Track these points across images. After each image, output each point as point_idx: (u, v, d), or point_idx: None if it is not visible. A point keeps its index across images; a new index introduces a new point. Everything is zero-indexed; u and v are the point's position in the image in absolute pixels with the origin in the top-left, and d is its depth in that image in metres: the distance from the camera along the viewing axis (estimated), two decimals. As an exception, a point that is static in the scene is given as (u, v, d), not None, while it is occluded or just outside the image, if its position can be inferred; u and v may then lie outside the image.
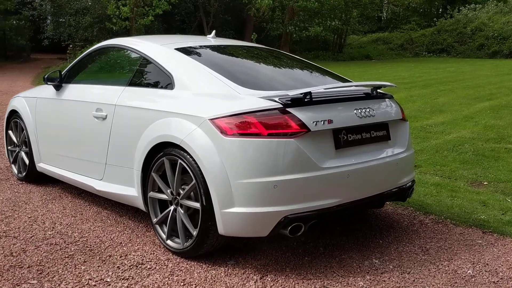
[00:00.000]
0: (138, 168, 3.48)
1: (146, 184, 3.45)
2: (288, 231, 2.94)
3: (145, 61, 3.77)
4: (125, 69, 4.00)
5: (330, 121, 3.07)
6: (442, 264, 3.28)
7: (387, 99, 3.68)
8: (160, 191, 3.39)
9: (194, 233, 3.14)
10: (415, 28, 34.11)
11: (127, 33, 28.07)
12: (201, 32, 30.35)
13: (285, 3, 28.92)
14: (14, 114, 5.10)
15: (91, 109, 3.94)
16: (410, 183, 3.65)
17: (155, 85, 3.67)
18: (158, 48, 3.79)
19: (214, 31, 4.45)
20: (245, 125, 2.93)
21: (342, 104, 3.24)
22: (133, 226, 3.86)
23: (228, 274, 3.06)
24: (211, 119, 3.01)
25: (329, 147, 3.11)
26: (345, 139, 3.17)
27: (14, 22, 29.87)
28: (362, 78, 17.50)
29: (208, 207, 3.01)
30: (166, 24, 31.65)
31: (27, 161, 4.92)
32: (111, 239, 3.60)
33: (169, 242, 3.34)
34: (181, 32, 30.96)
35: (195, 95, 3.30)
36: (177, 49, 3.69)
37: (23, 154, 5.02)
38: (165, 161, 3.28)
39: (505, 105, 10.33)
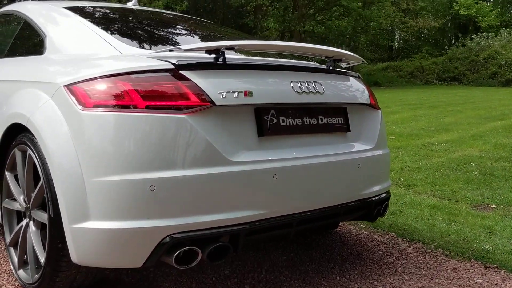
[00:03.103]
0: (-10, 167, 2.46)
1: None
2: (174, 258, 1.87)
3: (26, 24, 2.80)
4: (9, 37, 3.03)
5: (248, 93, 2.03)
6: (422, 315, 2.18)
7: (351, 77, 2.64)
8: (15, 198, 2.35)
9: (42, 260, 2.08)
10: (426, 57, 33.23)
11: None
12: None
13: (292, 28, 28.30)
14: None
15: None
16: (381, 196, 2.57)
17: (29, 51, 2.70)
18: (42, 7, 2.82)
19: (135, -1, 3.47)
20: (112, 93, 1.90)
21: (272, 73, 2.20)
22: None
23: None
24: (67, 86, 1.99)
25: (248, 132, 2.06)
26: (274, 122, 2.13)
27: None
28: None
29: (57, 221, 1.96)
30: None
31: None
32: (-42, 266, 2.56)
33: (21, 272, 2.29)
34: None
35: (66, 58, 2.30)
36: (66, 7, 2.71)
37: None
38: (16, 152, 2.26)
39: (520, 125, 9.21)
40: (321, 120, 2.31)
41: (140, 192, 1.82)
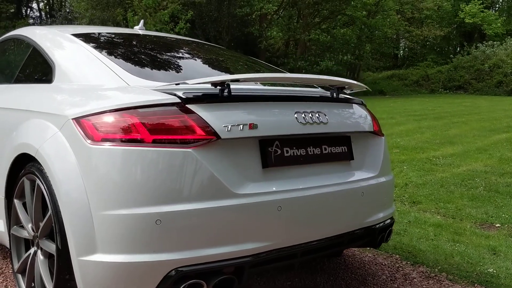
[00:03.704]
0: (2, 193, 2.51)
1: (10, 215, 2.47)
2: (180, 291, 1.90)
3: (35, 51, 2.84)
4: (17, 62, 3.08)
5: (252, 126, 2.06)
6: None
7: (354, 105, 2.67)
8: (23, 225, 2.39)
9: (49, 289, 2.12)
10: (431, 65, 33.19)
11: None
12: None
13: (297, 37, 28.39)
14: None
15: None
16: (385, 223, 2.59)
17: (38, 79, 2.74)
18: (50, 34, 2.87)
19: (142, 21, 3.52)
20: (120, 127, 1.94)
21: (276, 104, 2.23)
22: (6, 270, 2.84)
23: None
24: (76, 118, 2.03)
25: (252, 164, 2.09)
26: (278, 153, 2.16)
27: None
28: (372, 110, 16.48)
29: (64, 252, 1.99)
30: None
31: None
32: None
33: (28, 300, 2.32)
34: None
35: (74, 89, 2.34)
36: (74, 34, 2.75)
37: None
38: (25, 181, 2.30)
39: (525, 138, 9.19)
40: (325, 149, 2.34)
41: (146, 226, 1.85)
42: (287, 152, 2.19)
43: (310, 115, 2.26)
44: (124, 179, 1.88)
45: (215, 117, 2.00)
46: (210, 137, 1.97)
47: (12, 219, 2.45)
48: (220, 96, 2.07)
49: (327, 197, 2.24)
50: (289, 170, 2.20)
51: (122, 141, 1.91)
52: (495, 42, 30.51)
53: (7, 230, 2.53)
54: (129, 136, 1.92)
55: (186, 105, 1.99)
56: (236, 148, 2.05)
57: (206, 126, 1.97)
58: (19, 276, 2.41)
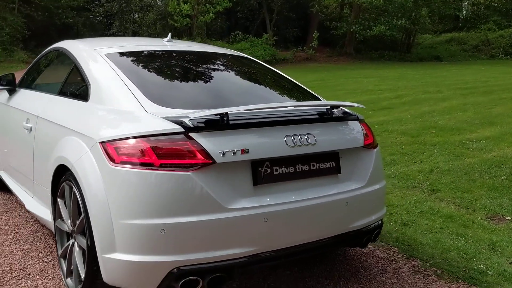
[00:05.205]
0: (49, 191, 3.05)
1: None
2: (180, 285, 2.37)
3: (75, 67, 3.33)
4: (61, 75, 3.58)
5: (245, 151, 2.46)
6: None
7: (348, 122, 2.98)
8: (64, 220, 2.94)
9: (82, 276, 2.65)
10: (493, 28, 31.65)
11: (188, 30, 28.24)
12: (264, 30, 29.92)
13: (350, 0, 27.89)
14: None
15: (22, 119, 3.57)
16: (370, 226, 2.94)
17: (77, 95, 3.22)
18: (87, 53, 3.33)
19: (170, 34, 3.92)
20: (135, 152, 2.39)
21: (268, 130, 2.61)
22: (54, 251, 3.43)
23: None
24: (102, 142, 2.50)
25: (245, 182, 2.50)
26: (268, 172, 2.55)
27: (91, 16, 30.82)
28: (420, 81, 16.29)
29: (92, 249, 2.51)
30: (228, 22, 31.55)
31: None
32: (24, 267, 3.20)
33: (68, 280, 2.88)
34: (244, 29, 30.71)
35: (104, 112, 2.80)
36: (107, 54, 3.20)
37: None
38: (65, 186, 2.82)
39: None
40: (313, 166, 2.70)
41: (154, 234, 2.32)
42: (277, 170, 2.57)
43: (299, 137, 2.62)
44: (136, 195, 2.34)
45: (213, 144, 2.41)
46: (207, 161, 2.38)
47: (56, 213, 3.00)
48: (220, 124, 2.47)
49: (312, 208, 2.62)
50: (279, 186, 2.59)
51: (136, 164, 2.37)
52: None
53: (53, 221, 3.09)
54: (142, 160, 2.37)
55: (189, 134, 2.41)
56: (230, 169, 2.45)
57: (204, 152, 2.38)
58: (62, 260, 2.98)
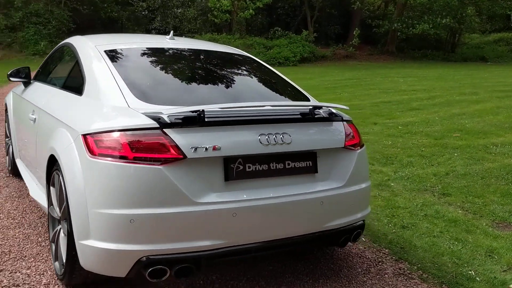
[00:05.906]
0: (44, 179, 3.23)
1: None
2: (147, 274, 2.48)
3: (77, 62, 3.49)
4: (67, 69, 3.77)
5: (216, 148, 2.54)
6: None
7: (330, 122, 3.01)
8: (54, 207, 3.11)
9: (64, 260, 2.81)
10: (547, 29, 30.36)
11: (228, 26, 28.49)
12: (305, 26, 29.80)
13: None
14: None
15: (30, 110, 3.79)
16: (348, 226, 2.96)
17: (75, 89, 3.38)
18: (88, 49, 3.48)
19: (172, 32, 4.03)
20: (111, 145, 2.51)
21: (242, 127, 2.67)
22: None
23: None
24: (84, 135, 2.64)
25: (215, 178, 2.58)
26: (240, 169, 2.62)
27: (136, 11, 31.56)
28: (459, 82, 15.86)
29: (71, 234, 2.65)
30: (269, 18, 31.60)
31: (11, 154, 4.95)
32: (21, 250, 3.40)
33: (56, 264, 3.05)
34: (285, 25, 30.69)
35: (94, 104, 2.94)
36: (106, 51, 3.35)
37: (10, 146, 5.05)
38: (55, 175, 2.99)
39: None
40: (288, 164, 2.75)
41: (124, 223, 2.44)
42: (249, 167, 2.64)
43: (274, 136, 2.68)
44: (110, 186, 2.46)
45: (185, 140, 2.50)
46: (178, 156, 2.48)
47: (48, 200, 3.17)
48: (197, 121, 2.56)
49: (283, 205, 2.67)
50: (251, 183, 2.65)
51: (111, 156, 2.48)
52: None
53: (46, 207, 3.27)
54: (117, 153, 2.49)
55: (163, 129, 2.51)
56: (202, 164, 2.54)
57: (176, 148, 2.48)
58: (52, 244, 3.15)
